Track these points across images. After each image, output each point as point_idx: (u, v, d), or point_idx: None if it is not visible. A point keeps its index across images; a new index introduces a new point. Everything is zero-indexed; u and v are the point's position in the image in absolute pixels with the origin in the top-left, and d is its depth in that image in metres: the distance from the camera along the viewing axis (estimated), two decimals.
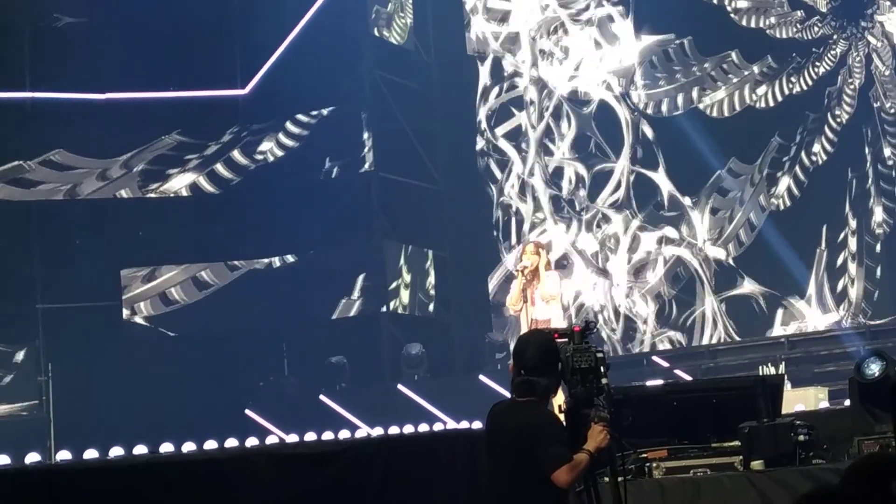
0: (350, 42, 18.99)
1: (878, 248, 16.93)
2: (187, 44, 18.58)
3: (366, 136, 19.18)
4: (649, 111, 18.18)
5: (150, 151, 18.92)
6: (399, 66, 19.50)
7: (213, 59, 19.15)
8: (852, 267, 17.02)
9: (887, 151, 16.98)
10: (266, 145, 19.37)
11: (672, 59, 17.95)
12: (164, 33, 18.26)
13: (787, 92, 17.58)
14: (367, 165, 19.14)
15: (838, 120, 17.35)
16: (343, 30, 18.93)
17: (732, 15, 17.52)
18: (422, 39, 19.95)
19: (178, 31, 18.42)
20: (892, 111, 17.16)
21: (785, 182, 17.42)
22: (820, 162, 17.36)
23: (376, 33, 19.57)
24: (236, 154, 19.32)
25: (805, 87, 17.58)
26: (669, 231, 17.78)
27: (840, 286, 17.13)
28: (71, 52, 18.22)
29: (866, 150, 17.11)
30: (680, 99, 17.98)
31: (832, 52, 17.37)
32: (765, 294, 17.36)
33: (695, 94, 17.83)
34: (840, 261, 17.06)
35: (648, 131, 18.06)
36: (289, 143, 19.37)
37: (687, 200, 17.64)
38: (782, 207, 17.45)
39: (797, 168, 17.37)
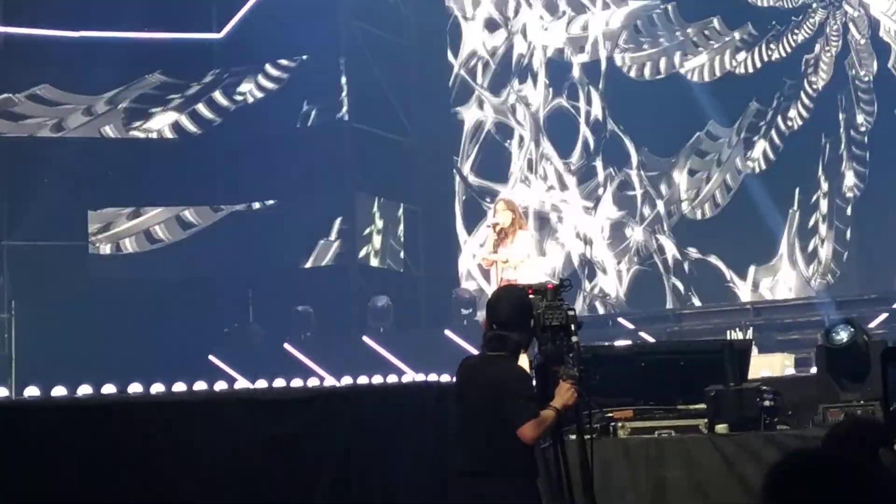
0: None
1: (849, 210, 17.34)
2: None
3: (340, 86, 19.09)
4: (632, 74, 18.31)
5: (132, 91, 18.80)
6: (376, 16, 19.40)
7: (189, 2, 18.99)
8: (823, 228, 17.43)
9: (860, 118, 17.25)
10: (239, 92, 19.25)
11: (656, 24, 18.25)
12: None
13: (765, 59, 17.82)
14: (340, 116, 19.06)
15: (814, 87, 17.57)
16: None
17: None
18: None
19: None
20: (867, 79, 17.33)
21: (761, 146, 17.66)
22: (795, 127, 17.68)
23: None
24: (209, 98, 19.19)
25: (783, 55, 17.77)
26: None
27: (811, 246, 17.50)
28: None
29: (840, 117, 17.44)
30: (662, 63, 18.17)
31: (810, 21, 17.60)
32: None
33: (677, 58, 18.07)
34: (812, 222, 17.48)
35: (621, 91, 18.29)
36: (262, 90, 19.26)
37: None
38: (757, 170, 17.74)
39: (773, 132, 17.63)
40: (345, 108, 19.04)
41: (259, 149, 18.54)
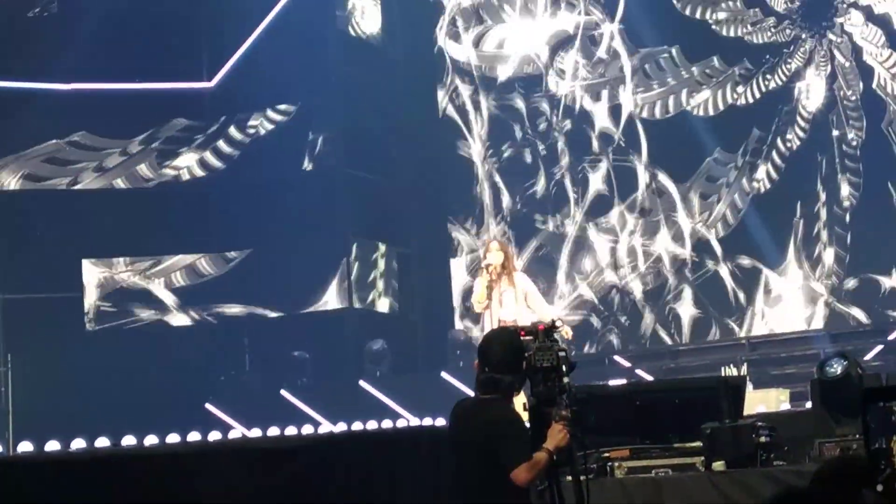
0: (317, 37, 18.94)
1: (847, 218, 17.44)
2: (154, 36, 18.50)
3: (332, 131, 19.14)
4: (644, 114, 18.66)
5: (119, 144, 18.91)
6: (365, 61, 19.47)
7: (180, 51, 19.09)
8: (824, 234, 17.55)
9: (851, 134, 17.51)
10: (231, 139, 19.30)
11: (664, 67, 18.67)
12: (131, 25, 18.19)
13: (763, 89, 18.08)
14: (332, 161, 19.10)
15: (807, 110, 17.80)
16: (311, 24, 18.88)
17: (714, 27, 18.38)
18: (389, 35, 19.93)
19: (145, 23, 18.35)
20: (853, 98, 17.51)
21: (764, 168, 17.93)
22: (794, 147, 17.84)
23: (344, 28, 19.54)
24: (203, 148, 19.24)
25: (779, 84, 18.05)
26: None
27: (816, 252, 17.58)
28: (36, 41, 18.13)
29: (833, 134, 17.61)
30: (671, 102, 18.58)
31: (801, 50, 17.85)
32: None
33: (683, 96, 18.49)
34: (814, 230, 17.66)
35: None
36: (254, 137, 19.30)
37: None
38: (762, 190, 17.97)
39: (774, 154, 17.90)
40: (337, 153, 19.07)
41: (251, 195, 18.56)
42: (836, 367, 8.55)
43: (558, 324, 6.73)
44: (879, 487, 3.10)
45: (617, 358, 17.51)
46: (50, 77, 18.25)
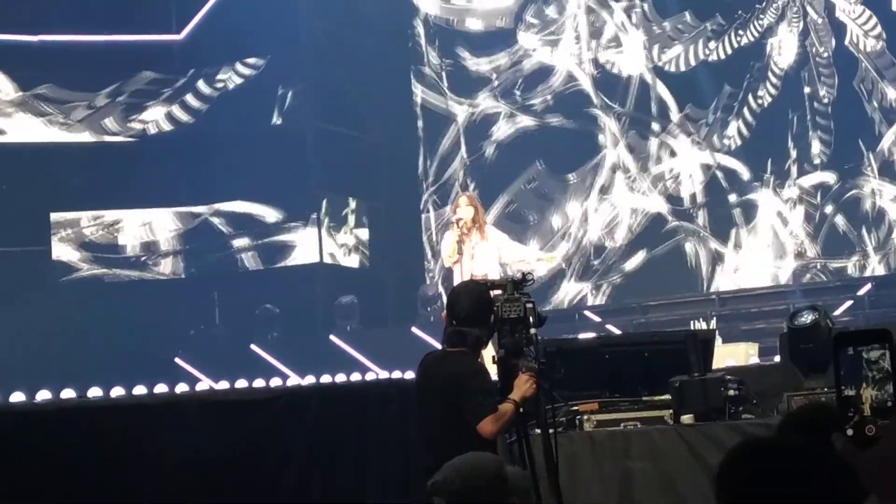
0: None
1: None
2: None
3: (302, 85, 19.02)
4: (615, 70, 18.56)
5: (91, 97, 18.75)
6: (336, 14, 19.34)
7: (149, 2, 18.93)
8: (794, 192, 17.49)
9: (822, 91, 17.41)
10: (200, 93, 19.16)
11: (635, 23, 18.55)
12: None
13: (735, 45, 17.96)
14: (302, 115, 18.99)
15: (779, 66, 17.71)
16: None
17: None
18: None
19: None
20: (826, 55, 17.48)
21: (735, 125, 17.82)
22: (765, 104, 17.75)
23: None
24: (171, 102, 19.09)
25: (750, 40, 17.92)
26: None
27: (786, 210, 17.51)
28: None
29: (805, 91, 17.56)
30: (642, 58, 18.46)
31: (774, 6, 17.72)
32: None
33: (655, 52, 18.36)
34: (784, 187, 17.58)
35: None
36: (224, 90, 19.17)
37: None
38: (733, 147, 17.89)
39: (745, 111, 17.80)
40: (307, 107, 18.95)
41: (221, 149, 18.45)
42: (807, 317, 8.55)
43: (528, 277, 6.67)
44: (849, 432, 3.09)
45: (587, 313, 17.54)
46: (16, 28, 18.07)
